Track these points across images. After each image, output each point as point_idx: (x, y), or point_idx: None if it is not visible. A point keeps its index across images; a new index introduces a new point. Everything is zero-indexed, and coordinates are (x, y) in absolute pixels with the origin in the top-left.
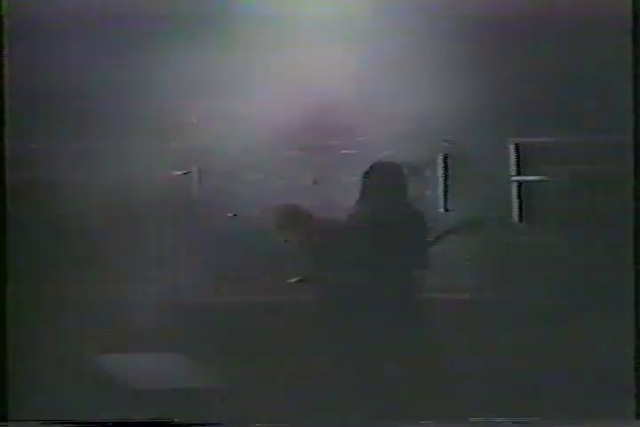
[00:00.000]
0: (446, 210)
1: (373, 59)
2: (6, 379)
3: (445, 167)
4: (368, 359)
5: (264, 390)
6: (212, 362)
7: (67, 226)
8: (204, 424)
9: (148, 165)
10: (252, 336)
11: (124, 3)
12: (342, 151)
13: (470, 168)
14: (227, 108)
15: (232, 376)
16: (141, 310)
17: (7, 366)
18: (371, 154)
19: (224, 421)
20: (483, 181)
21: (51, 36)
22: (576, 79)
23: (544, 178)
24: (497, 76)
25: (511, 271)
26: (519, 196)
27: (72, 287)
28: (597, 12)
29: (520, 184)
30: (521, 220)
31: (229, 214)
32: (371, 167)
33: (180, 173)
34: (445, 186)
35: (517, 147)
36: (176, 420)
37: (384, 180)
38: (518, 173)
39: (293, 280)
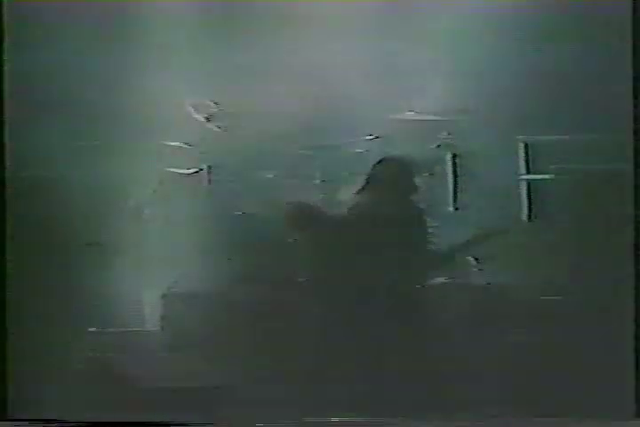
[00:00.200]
0: (456, 209)
1: (385, 59)
2: (6, 379)
3: (454, 166)
4: (370, 353)
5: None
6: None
7: (68, 223)
8: (205, 424)
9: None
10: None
11: None
12: (354, 150)
13: (480, 167)
14: (238, 106)
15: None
16: (148, 309)
17: (7, 366)
18: (381, 152)
19: (224, 421)
20: (492, 180)
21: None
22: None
23: (553, 176)
24: (505, 77)
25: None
26: (528, 194)
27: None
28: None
29: (529, 183)
30: (530, 218)
31: (237, 213)
32: (378, 162)
33: (189, 171)
34: (455, 184)
35: (526, 146)
36: (176, 420)
37: (390, 173)
38: (527, 172)
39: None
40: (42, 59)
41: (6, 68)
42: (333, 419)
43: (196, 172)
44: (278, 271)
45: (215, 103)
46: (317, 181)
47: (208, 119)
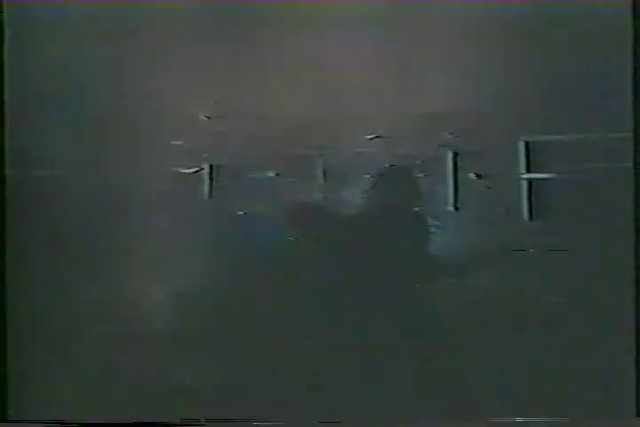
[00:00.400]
0: (456, 208)
1: (385, 57)
2: (6, 379)
3: (455, 164)
4: (371, 352)
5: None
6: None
7: (71, 225)
8: (204, 424)
9: (159, 162)
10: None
11: None
12: (355, 150)
13: (480, 166)
14: (238, 105)
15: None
16: (150, 310)
17: (7, 366)
18: (381, 152)
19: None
20: (492, 179)
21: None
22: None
23: (554, 176)
24: (504, 75)
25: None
26: (529, 193)
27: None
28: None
29: (530, 182)
30: (531, 217)
31: (239, 212)
32: (378, 161)
33: (190, 170)
34: (455, 183)
35: (527, 145)
36: (176, 420)
37: (390, 172)
38: (528, 171)
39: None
40: (42, 58)
41: (6, 68)
42: (335, 419)
43: (197, 171)
44: (279, 271)
45: (216, 102)
46: (319, 181)
47: (209, 118)
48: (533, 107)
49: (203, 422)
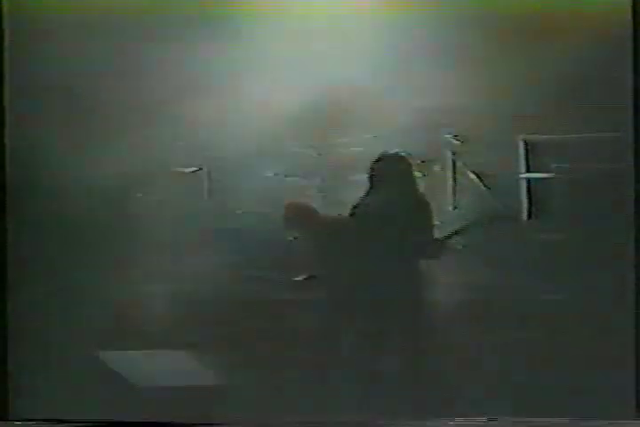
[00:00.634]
0: (455, 208)
1: (383, 58)
2: (7, 379)
3: (454, 164)
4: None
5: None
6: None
7: (68, 223)
8: (204, 424)
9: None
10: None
11: None
12: (351, 149)
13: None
14: (239, 106)
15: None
16: (153, 307)
17: (7, 366)
18: (380, 151)
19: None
20: (491, 179)
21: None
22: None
23: (553, 175)
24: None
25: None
26: (528, 193)
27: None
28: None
29: (529, 181)
30: (530, 217)
31: (238, 211)
32: (377, 160)
33: (189, 170)
34: (454, 183)
35: (526, 144)
36: (175, 420)
37: (390, 171)
38: (527, 171)
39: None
40: (42, 58)
41: (6, 68)
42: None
43: (197, 170)
44: (278, 270)
45: (216, 102)
46: (318, 180)
47: (209, 117)
48: (533, 106)
49: (203, 422)
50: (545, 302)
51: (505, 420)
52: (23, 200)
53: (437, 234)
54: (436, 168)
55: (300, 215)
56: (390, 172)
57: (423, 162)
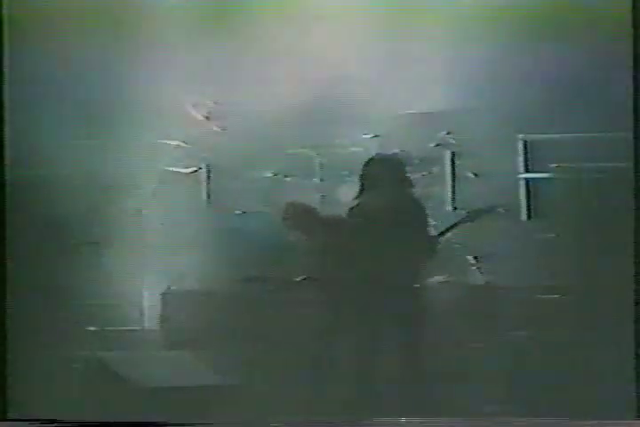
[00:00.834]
0: (454, 208)
1: (384, 58)
2: (6, 379)
3: (453, 164)
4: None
5: None
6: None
7: (67, 222)
8: (204, 424)
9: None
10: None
11: None
12: (351, 149)
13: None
14: (237, 105)
15: None
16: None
17: (8, 366)
18: (377, 151)
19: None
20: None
21: None
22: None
23: (552, 175)
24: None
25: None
26: (527, 193)
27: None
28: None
29: (528, 181)
30: (529, 217)
31: (237, 211)
32: (371, 159)
33: (188, 170)
34: (453, 183)
35: (525, 144)
36: (175, 420)
37: (385, 171)
38: (526, 171)
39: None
40: (41, 59)
41: (6, 68)
42: (336, 419)
43: (195, 171)
44: (277, 270)
45: (214, 102)
46: (316, 180)
47: (207, 118)
48: (533, 106)
49: (204, 422)
50: (544, 301)
51: (505, 420)
52: (22, 199)
53: (434, 234)
54: (435, 168)
55: (300, 215)
56: (387, 172)
57: (422, 162)
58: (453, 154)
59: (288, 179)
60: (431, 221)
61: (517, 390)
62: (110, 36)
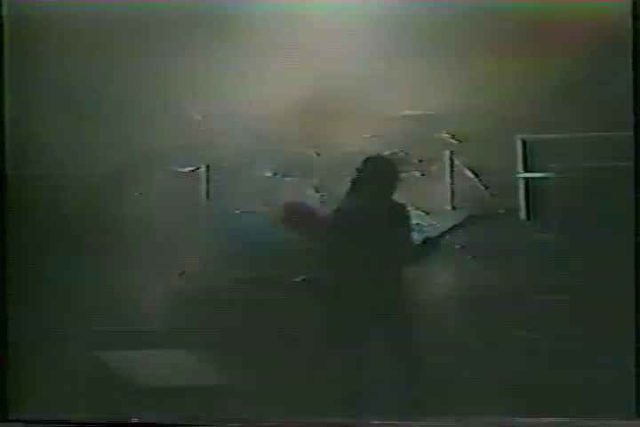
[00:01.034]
0: (453, 208)
1: (383, 58)
2: (6, 379)
3: (452, 164)
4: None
5: None
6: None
7: (67, 222)
8: (204, 424)
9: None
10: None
11: None
12: (350, 148)
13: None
14: (234, 105)
15: None
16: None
17: (8, 366)
18: (379, 151)
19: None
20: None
21: None
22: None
23: (551, 175)
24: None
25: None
26: (527, 193)
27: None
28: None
29: (527, 181)
30: (529, 217)
31: (236, 211)
32: (369, 160)
33: (187, 169)
34: (452, 183)
35: (525, 144)
36: (175, 420)
37: (371, 174)
38: (525, 171)
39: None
40: (42, 60)
41: (6, 69)
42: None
43: (194, 170)
44: (276, 270)
45: (214, 102)
46: (315, 180)
47: (206, 117)
48: (532, 105)
49: (203, 423)
50: (544, 302)
51: (504, 420)
52: (21, 199)
53: (433, 234)
54: (434, 168)
55: (299, 215)
56: (382, 170)
57: (421, 161)
58: (452, 153)
59: (287, 178)
60: (431, 221)
61: (517, 389)
62: (110, 35)
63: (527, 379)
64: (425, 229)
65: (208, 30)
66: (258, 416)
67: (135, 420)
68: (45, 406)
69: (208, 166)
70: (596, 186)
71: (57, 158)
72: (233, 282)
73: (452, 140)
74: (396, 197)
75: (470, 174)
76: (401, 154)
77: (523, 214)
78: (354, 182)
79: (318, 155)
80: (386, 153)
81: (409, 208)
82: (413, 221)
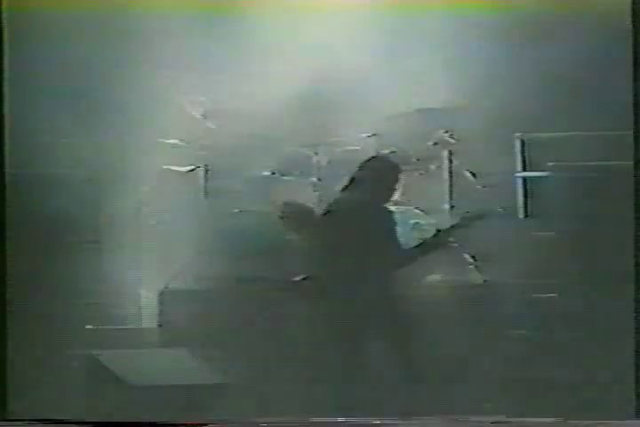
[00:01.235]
0: (452, 206)
1: (383, 57)
2: (6, 379)
3: (450, 163)
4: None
5: None
6: None
7: (66, 221)
8: (203, 424)
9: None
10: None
11: None
12: (348, 147)
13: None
14: (232, 104)
15: None
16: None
17: (8, 366)
18: (377, 150)
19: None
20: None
21: None
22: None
23: (549, 174)
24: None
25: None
26: (525, 191)
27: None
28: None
29: (525, 180)
30: (527, 215)
31: (235, 210)
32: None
33: (186, 168)
34: (451, 182)
35: (523, 142)
36: (174, 420)
37: (383, 173)
38: (524, 169)
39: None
40: (41, 57)
41: (6, 66)
42: (339, 419)
43: (193, 169)
44: (275, 269)
45: (212, 101)
46: (314, 179)
47: (205, 116)
48: (530, 104)
49: (203, 423)
50: (543, 300)
51: (504, 420)
52: (20, 198)
53: (432, 233)
54: (433, 167)
55: (297, 214)
56: (381, 170)
57: (419, 160)
58: (451, 152)
59: (286, 178)
60: (429, 220)
61: (516, 389)
62: (109, 34)
63: (526, 379)
64: (423, 227)
65: (207, 28)
66: (257, 416)
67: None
68: (45, 406)
69: (207, 166)
70: (594, 185)
71: (55, 157)
72: (232, 281)
73: (451, 140)
74: (396, 196)
75: (468, 173)
76: (399, 153)
77: (521, 213)
78: (354, 181)
79: (317, 154)
80: (384, 152)
81: (408, 207)
82: (412, 220)
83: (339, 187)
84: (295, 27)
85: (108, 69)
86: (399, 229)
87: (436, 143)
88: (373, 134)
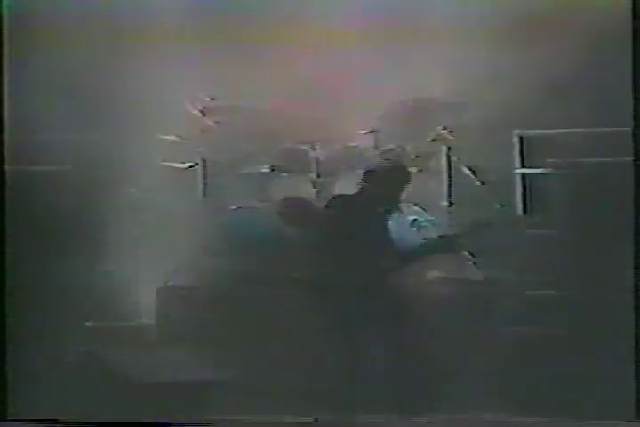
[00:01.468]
0: (450, 204)
1: (382, 54)
2: (6, 379)
3: (449, 159)
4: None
5: None
6: None
7: (65, 218)
8: (204, 424)
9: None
10: None
11: None
12: (347, 143)
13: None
14: (231, 101)
15: None
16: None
17: (7, 365)
18: (376, 147)
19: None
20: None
21: None
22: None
23: (548, 170)
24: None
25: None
26: (523, 188)
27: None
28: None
29: (524, 176)
30: (525, 212)
31: (233, 207)
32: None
33: (184, 165)
34: (449, 179)
35: (522, 139)
36: (175, 420)
37: (384, 171)
38: (522, 166)
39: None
40: (40, 55)
41: (6, 66)
42: (339, 419)
43: (192, 166)
44: (274, 266)
45: (210, 97)
46: (313, 176)
47: (203, 113)
48: (529, 101)
49: (204, 422)
50: (543, 297)
51: (504, 420)
52: (19, 196)
53: (433, 231)
54: (431, 163)
55: (297, 211)
56: (382, 168)
57: (418, 157)
58: (449, 149)
59: (285, 174)
60: (428, 217)
61: (516, 388)
62: (109, 33)
63: (526, 378)
64: (422, 224)
65: (207, 25)
66: (257, 415)
67: None
68: (45, 406)
69: (205, 162)
70: (593, 181)
71: (53, 155)
72: (230, 278)
73: (449, 136)
74: (397, 194)
75: (467, 170)
76: (398, 149)
77: (519, 210)
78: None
79: (315, 150)
80: (383, 148)
81: (408, 204)
82: (411, 218)
83: (338, 183)
84: (295, 26)
85: (107, 67)
86: (398, 226)
87: (434, 140)
88: (371, 131)
